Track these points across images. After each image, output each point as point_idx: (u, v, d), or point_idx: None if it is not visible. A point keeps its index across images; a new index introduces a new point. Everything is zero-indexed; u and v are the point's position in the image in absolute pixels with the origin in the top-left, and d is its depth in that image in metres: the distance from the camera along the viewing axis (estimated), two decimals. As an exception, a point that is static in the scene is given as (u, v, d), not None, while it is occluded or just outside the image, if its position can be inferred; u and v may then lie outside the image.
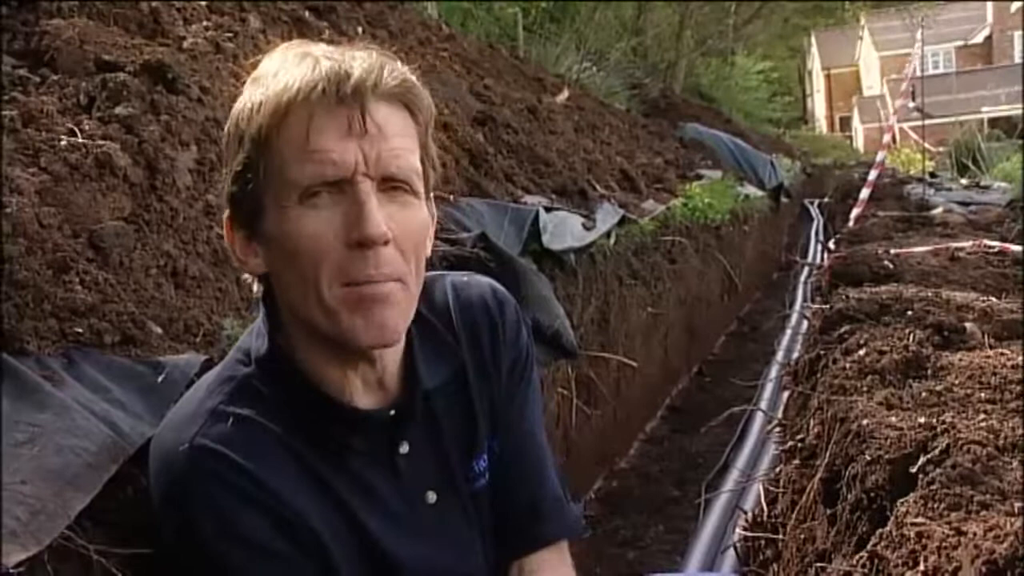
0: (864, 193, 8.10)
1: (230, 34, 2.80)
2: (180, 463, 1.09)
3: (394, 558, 1.17)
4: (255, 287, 1.20)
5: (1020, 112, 19.68)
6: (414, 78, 1.14)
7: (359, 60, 1.09)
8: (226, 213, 1.16)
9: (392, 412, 1.20)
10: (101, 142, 1.88)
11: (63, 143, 1.82)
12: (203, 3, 2.93)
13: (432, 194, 1.20)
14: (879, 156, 9.94)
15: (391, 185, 1.10)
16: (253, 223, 1.12)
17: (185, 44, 2.54)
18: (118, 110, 2.02)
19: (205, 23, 2.78)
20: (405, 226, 1.10)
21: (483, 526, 1.29)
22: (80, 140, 1.86)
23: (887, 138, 10.89)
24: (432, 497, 1.23)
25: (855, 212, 7.63)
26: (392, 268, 1.09)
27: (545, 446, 1.40)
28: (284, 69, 1.09)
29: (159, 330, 1.64)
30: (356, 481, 1.17)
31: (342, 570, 1.13)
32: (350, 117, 1.06)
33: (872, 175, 8.81)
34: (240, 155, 1.10)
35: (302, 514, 1.11)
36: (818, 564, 1.96)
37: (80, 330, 1.48)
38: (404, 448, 1.21)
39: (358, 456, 1.18)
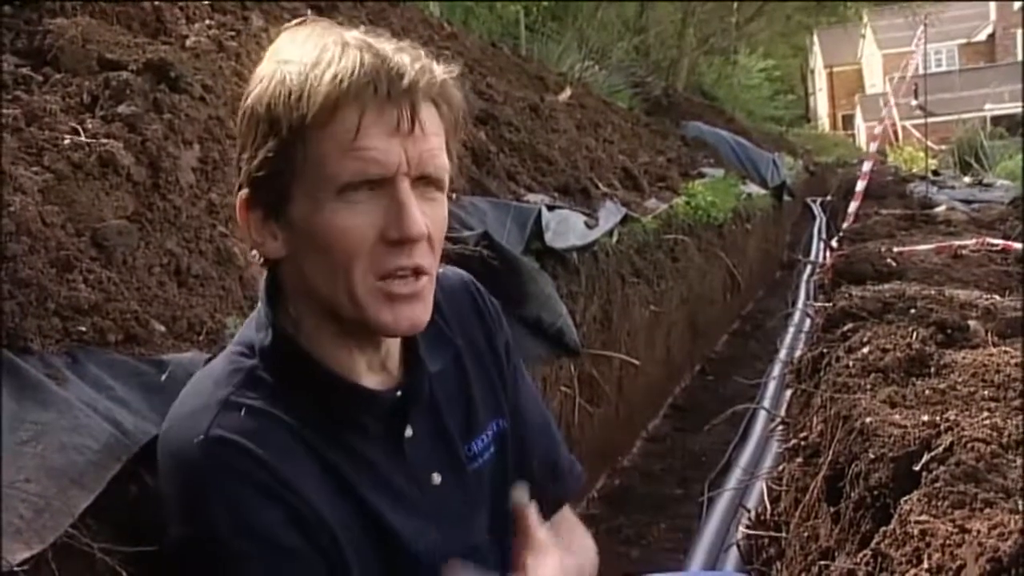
0: (860, 186, 8.10)
1: (233, 33, 2.80)
2: (195, 455, 1.08)
3: (405, 541, 1.18)
4: (261, 272, 1.21)
5: (1022, 110, 19.67)
6: (447, 76, 1.14)
7: (407, 57, 1.09)
8: (243, 192, 1.14)
9: (399, 393, 1.21)
10: (104, 141, 1.88)
11: (66, 142, 1.82)
12: (206, 2, 2.93)
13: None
14: (872, 146, 10.00)
15: (425, 183, 1.11)
16: (276, 208, 1.12)
17: (188, 43, 2.54)
18: (121, 109, 2.02)
19: (208, 22, 2.78)
20: (435, 222, 1.13)
21: (486, 504, 1.31)
22: (83, 139, 1.86)
23: (879, 129, 10.89)
24: (437, 479, 1.24)
25: (853, 206, 7.63)
26: (424, 262, 1.11)
27: (546, 409, 1.48)
28: (326, 57, 1.07)
29: (162, 328, 1.64)
30: (365, 465, 1.17)
31: (352, 560, 1.13)
32: (399, 116, 1.06)
33: (866, 166, 8.81)
34: (272, 141, 1.08)
35: (314, 505, 1.11)
36: (821, 562, 1.96)
37: (83, 328, 1.48)
38: (409, 432, 1.22)
39: (367, 441, 1.19)
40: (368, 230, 1.08)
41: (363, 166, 1.06)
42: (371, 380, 1.21)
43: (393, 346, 1.22)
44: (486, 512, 1.31)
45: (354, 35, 1.11)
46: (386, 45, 1.10)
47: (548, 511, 1.37)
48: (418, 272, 1.11)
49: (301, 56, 1.09)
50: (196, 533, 1.09)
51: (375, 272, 1.09)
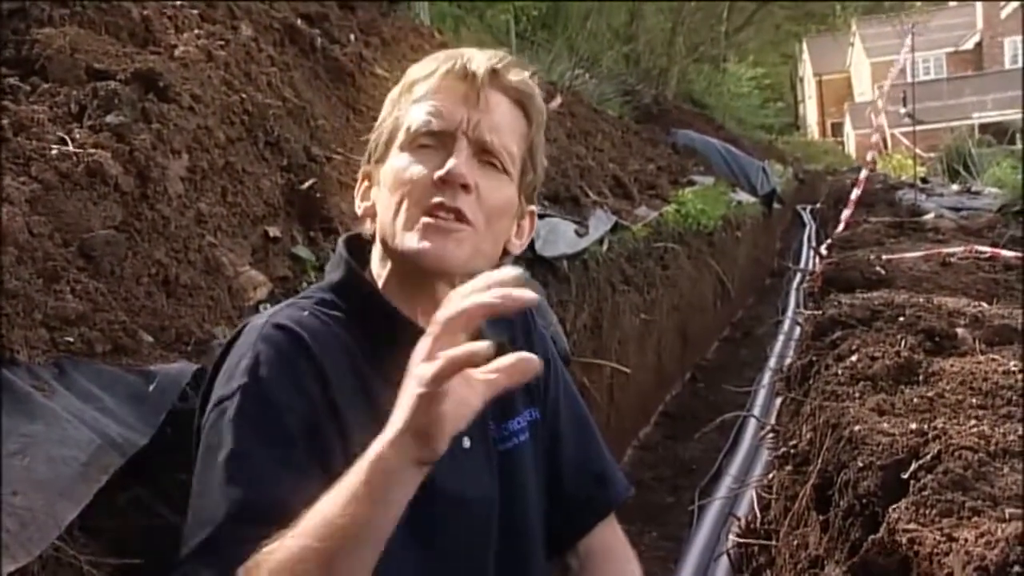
0: (855, 193, 8.13)
1: (222, 42, 2.79)
2: (255, 331, 1.21)
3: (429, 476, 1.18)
4: (368, 225, 1.35)
5: (1010, 118, 19.77)
6: (537, 90, 1.33)
7: (492, 57, 1.29)
8: (362, 171, 1.37)
9: None
10: (92, 151, 1.88)
11: (54, 152, 1.82)
12: (195, 11, 2.92)
13: (533, 198, 1.38)
14: (870, 155, 10.08)
15: (485, 157, 1.26)
16: (375, 171, 1.32)
17: (177, 52, 2.53)
18: (109, 118, 2.02)
19: (197, 31, 2.77)
20: (487, 189, 1.25)
21: (503, 486, 1.34)
22: (71, 149, 1.85)
23: (876, 137, 10.94)
24: (467, 442, 1.28)
25: (846, 213, 7.66)
26: (467, 210, 1.22)
27: (591, 423, 1.55)
28: (431, 57, 1.32)
29: (150, 339, 1.64)
30: None
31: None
32: (467, 90, 1.26)
33: (863, 173, 8.86)
34: (383, 114, 1.32)
35: (343, 416, 1.17)
36: (811, 570, 1.96)
37: (71, 339, 1.47)
38: None
39: None
40: (424, 172, 1.23)
41: (430, 119, 1.25)
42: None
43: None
44: (520, 493, 1.35)
45: (476, 50, 1.31)
46: (498, 55, 1.30)
47: (594, 519, 1.47)
48: (459, 217, 1.22)
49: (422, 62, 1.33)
50: (226, 393, 1.16)
51: (420, 206, 1.23)
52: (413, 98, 1.28)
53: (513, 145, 1.29)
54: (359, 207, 1.36)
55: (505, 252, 1.34)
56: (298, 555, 0.99)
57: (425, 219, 1.22)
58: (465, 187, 1.22)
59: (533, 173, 1.34)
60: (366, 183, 1.36)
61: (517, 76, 1.30)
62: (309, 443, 1.14)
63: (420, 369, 0.96)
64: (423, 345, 0.98)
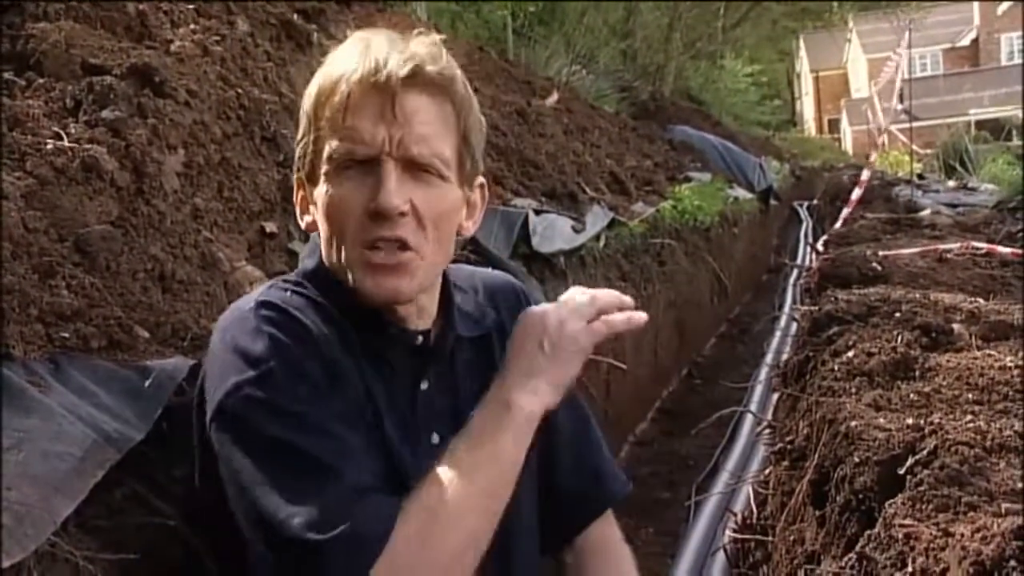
0: (856, 193, 8.16)
1: (218, 37, 2.78)
2: (248, 315, 1.19)
3: (403, 464, 1.21)
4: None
5: (1007, 114, 19.78)
6: (456, 71, 1.24)
7: (401, 51, 1.19)
8: (296, 174, 1.30)
9: (420, 338, 1.28)
10: (88, 146, 1.87)
11: (49, 147, 1.81)
12: (191, 6, 2.91)
13: (477, 176, 1.31)
14: (872, 155, 10.13)
15: (416, 167, 1.20)
16: (310, 186, 1.26)
17: (172, 47, 2.53)
18: (105, 113, 2.02)
19: (192, 26, 2.77)
20: (426, 202, 1.20)
21: None
22: (66, 144, 1.85)
23: (880, 138, 11.00)
24: (435, 439, 1.27)
25: (846, 211, 7.68)
26: (405, 235, 1.18)
27: (591, 420, 1.53)
28: (339, 54, 1.22)
29: (146, 334, 1.64)
30: (384, 388, 1.24)
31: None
32: (382, 103, 1.17)
33: (865, 174, 8.89)
34: (301, 128, 1.25)
35: (346, 376, 1.19)
36: (807, 566, 1.96)
37: (66, 335, 1.47)
38: (424, 385, 1.28)
39: (392, 375, 1.25)
40: (355, 204, 1.18)
41: (350, 145, 1.18)
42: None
43: (428, 303, 1.30)
44: None
45: (383, 34, 1.22)
46: (402, 42, 1.21)
47: (590, 516, 1.46)
48: (402, 245, 1.19)
49: (331, 58, 1.24)
50: (239, 385, 1.14)
51: (360, 242, 1.19)
52: (327, 114, 1.19)
53: (444, 147, 1.22)
54: (301, 220, 1.32)
55: (459, 235, 1.31)
56: (469, 507, 1.11)
57: (368, 254, 1.18)
58: (401, 214, 1.18)
59: (471, 157, 1.27)
60: (302, 192, 1.29)
61: (433, 67, 1.20)
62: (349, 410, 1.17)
63: (584, 334, 1.21)
64: (580, 310, 1.23)
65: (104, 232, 1.74)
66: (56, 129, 1.90)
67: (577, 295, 1.26)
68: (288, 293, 1.24)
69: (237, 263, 2.09)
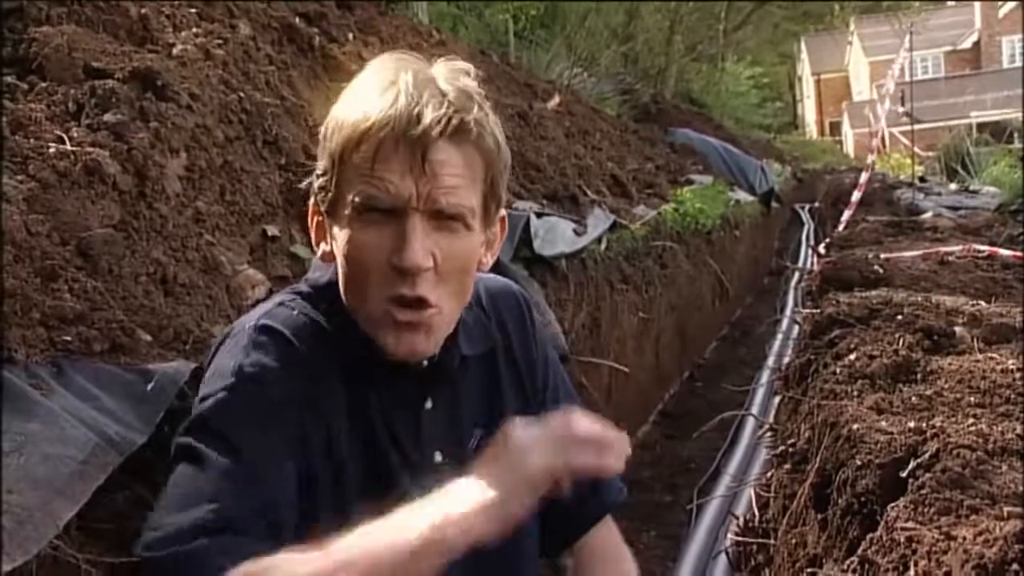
0: (855, 195, 8.16)
1: (220, 41, 2.79)
2: (242, 335, 1.20)
3: (401, 486, 1.21)
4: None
5: (1008, 117, 19.78)
6: (488, 117, 1.21)
7: (434, 102, 1.16)
8: (312, 200, 1.28)
9: (425, 363, 1.27)
10: (90, 149, 1.88)
11: (51, 150, 1.82)
12: (193, 10, 2.92)
13: (499, 212, 1.29)
14: (871, 158, 10.12)
15: (441, 217, 1.18)
16: (329, 220, 1.25)
17: (175, 51, 2.53)
18: (107, 117, 2.02)
19: (195, 30, 2.77)
20: (450, 253, 1.19)
21: None
22: (69, 147, 1.85)
23: (876, 142, 11.00)
24: (438, 457, 1.28)
25: (846, 215, 7.68)
26: (429, 295, 1.18)
27: None
28: (368, 95, 1.18)
29: (148, 338, 1.64)
30: (385, 410, 1.25)
31: (352, 492, 1.19)
32: (412, 156, 1.15)
33: (863, 177, 8.89)
34: (323, 162, 1.22)
35: (329, 425, 1.19)
36: (809, 569, 1.96)
37: (69, 338, 1.47)
38: (428, 404, 1.29)
39: (392, 396, 1.26)
40: (378, 254, 1.18)
41: (376, 194, 1.16)
42: None
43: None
44: None
45: (411, 74, 1.18)
46: (433, 85, 1.18)
47: (588, 523, 1.46)
48: (422, 303, 1.18)
49: (357, 89, 1.21)
50: (213, 391, 1.16)
51: (385, 294, 1.19)
52: (355, 161, 1.17)
53: (471, 196, 1.20)
54: (316, 247, 1.31)
55: (479, 269, 1.29)
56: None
57: (391, 309, 1.18)
58: (425, 270, 1.17)
59: (496, 201, 1.26)
60: (318, 219, 1.28)
61: (466, 116, 1.17)
62: (293, 453, 1.15)
63: (555, 462, 1.12)
64: (547, 443, 1.13)
65: (106, 235, 1.74)
66: (58, 133, 1.90)
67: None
68: (295, 313, 1.24)
69: (239, 266, 2.10)
